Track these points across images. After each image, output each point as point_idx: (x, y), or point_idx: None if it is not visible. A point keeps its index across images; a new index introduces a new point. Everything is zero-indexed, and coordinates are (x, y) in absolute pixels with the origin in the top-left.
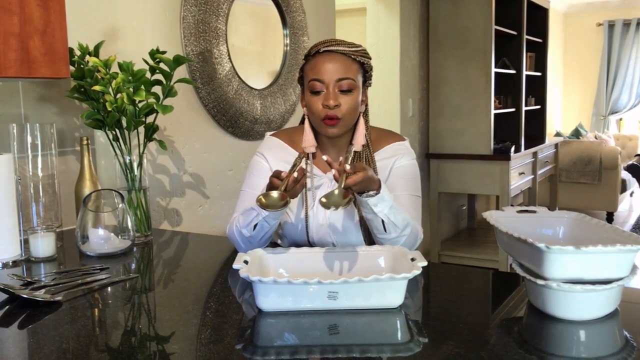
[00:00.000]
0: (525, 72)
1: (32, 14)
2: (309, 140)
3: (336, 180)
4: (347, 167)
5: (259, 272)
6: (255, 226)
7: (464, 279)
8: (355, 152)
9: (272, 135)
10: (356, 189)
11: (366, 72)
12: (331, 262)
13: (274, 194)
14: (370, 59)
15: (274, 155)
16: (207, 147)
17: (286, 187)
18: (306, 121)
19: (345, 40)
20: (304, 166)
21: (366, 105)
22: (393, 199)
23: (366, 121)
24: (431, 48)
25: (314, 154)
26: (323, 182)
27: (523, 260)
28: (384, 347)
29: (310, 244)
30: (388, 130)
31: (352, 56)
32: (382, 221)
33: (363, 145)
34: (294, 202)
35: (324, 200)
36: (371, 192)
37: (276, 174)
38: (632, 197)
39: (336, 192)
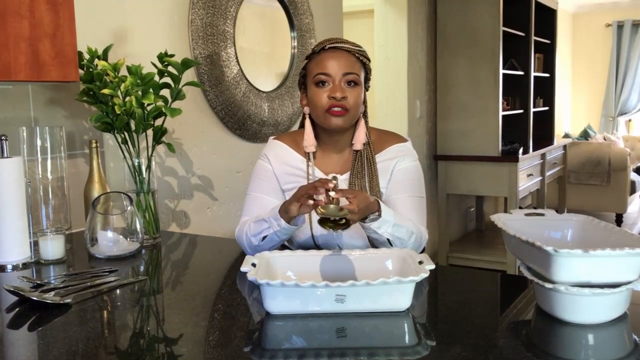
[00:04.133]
0: (533, 73)
1: (42, 17)
2: (309, 139)
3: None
4: (333, 194)
5: (267, 275)
6: (264, 237)
7: (472, 281)
8: (356, 151)
9: (274, 138)
10: (357, 217)
11: (367, 74)
12: (339, 264)
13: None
14: (370, 61)
15: (277, 158)
16: (215, 150)
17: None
18: (307, 121)
19: (349, 40)
20: (304, 167)
21: (365, 107)
22: (394, 216)
23: (366, 122)
24: (439, 49)
25: (314, 154)
26: None
27: (531, 264)
28: (391, 350)
29: (317, 247)
30: (389, 131)
31: (356, 55)
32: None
33: (364, 144)
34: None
35: (322, 210)
36: (373, 216)
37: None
38: None
39: (331, 206)
